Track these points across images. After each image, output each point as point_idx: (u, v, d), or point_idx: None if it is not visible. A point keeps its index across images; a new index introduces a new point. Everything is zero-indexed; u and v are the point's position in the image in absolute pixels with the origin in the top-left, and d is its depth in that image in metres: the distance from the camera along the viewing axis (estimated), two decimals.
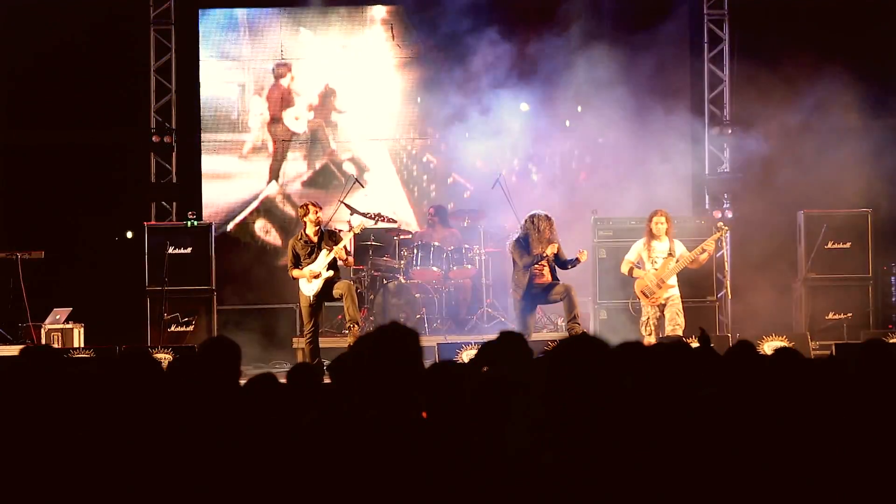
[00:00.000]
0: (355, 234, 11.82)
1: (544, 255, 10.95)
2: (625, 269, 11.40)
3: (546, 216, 11.11)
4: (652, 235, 11.26)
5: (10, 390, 4.32)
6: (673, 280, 11.27)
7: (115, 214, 14.06)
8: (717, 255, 12.32)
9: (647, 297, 11.24)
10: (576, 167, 14.67)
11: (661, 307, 11.23)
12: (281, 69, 14.60)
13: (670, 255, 11.23)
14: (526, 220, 11.16)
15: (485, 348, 4.58)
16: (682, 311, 11.20)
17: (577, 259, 11.13)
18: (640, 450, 3.25)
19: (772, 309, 12.89)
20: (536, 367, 4.18)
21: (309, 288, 11.40)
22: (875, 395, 4.33)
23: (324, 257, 11.39)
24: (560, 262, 11.16)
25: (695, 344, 5.21)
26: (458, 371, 3.76)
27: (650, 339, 11.15)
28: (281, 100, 14.61)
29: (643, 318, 11.33)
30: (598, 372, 3.21)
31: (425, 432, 3.45)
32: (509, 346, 4.49)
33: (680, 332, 11.05)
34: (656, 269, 11.20)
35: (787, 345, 10.93)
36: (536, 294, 11.12)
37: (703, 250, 11.19)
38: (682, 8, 14.52)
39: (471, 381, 3.64)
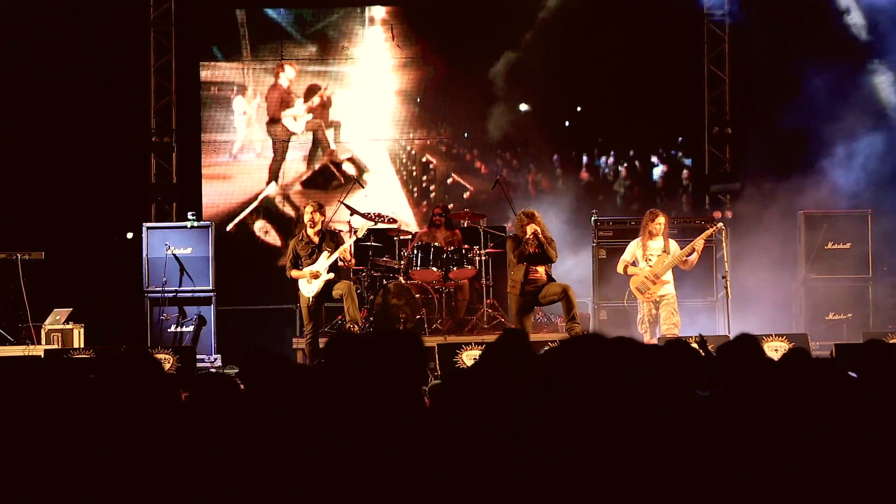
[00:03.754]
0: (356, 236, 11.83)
1: (526, 237, 11.01)
2: (620, 268, 11.53)
3: (526, 213, 11.20)
4: (650, 235, 11.34)
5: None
6: (668, 276, 11.34)
7: (115, 214, 14.06)
8: (718, 256, 12.33)
9: (641, 293, 11.34)
10: (575, 167, 14.67)
11: (657, 305, 11.30)
12: (280, 69, 14.60)
13: (665, 252, 11.32)
14: (516, 219, 11.35)
15: (488, 349, 4.59)
16: (677, 310, 11.27)
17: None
18: (640, 450, 3.25)
19: (772, 309, 12.90)
20: (538, 365, 4.18)
21: (308, 289, 11.40)
22: (875, 395, 4.33)
23: (325, 259, 11.40)
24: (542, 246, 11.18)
25: (696, 344, 5.21)
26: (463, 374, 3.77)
27: (647, 338, 11.21)
28: (280, 100, 14.61)
29: (639, 317, 11.41)
30: (603, 371, 3.20)
31: (426, 434, 3.45)
32: (511, 344, 4.49)
33: (677, 332, 11.10)
34: (651, 267, 11.29)
35: (787, 345, 10.95)
36: (532, 292, 11.16)
37: (693, 249, 11.26)
38: (682, 8, 14.54)
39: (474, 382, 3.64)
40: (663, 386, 3.69)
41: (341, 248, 11.35)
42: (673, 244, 11.44)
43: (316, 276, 11.34)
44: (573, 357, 3.20)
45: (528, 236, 11.03)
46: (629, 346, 3.52)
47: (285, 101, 14.63)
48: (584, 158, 14.68)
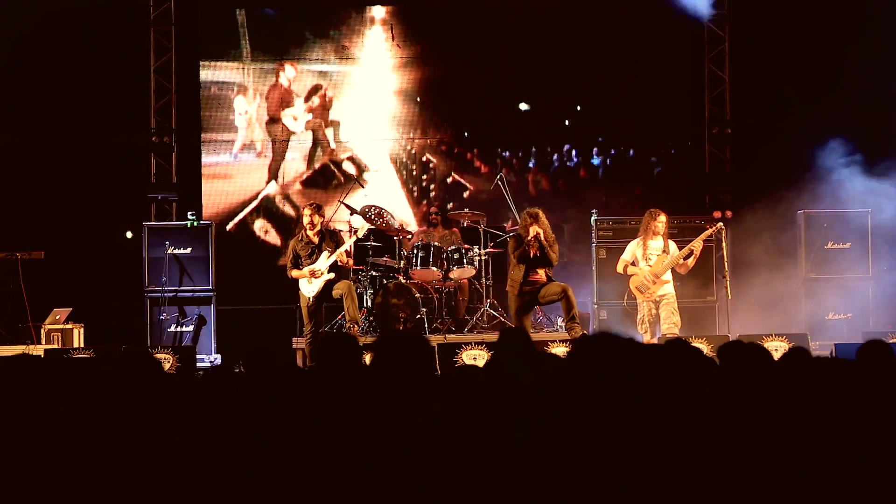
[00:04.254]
0: (356, 236, 11.84)
1: (528, 239, 10.99)
2: (620, 268, 11.54)
3: (530, 213, 11.17)
4: (651, 234, 11.34)
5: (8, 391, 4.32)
6: (667, 276, 11.35)
7: (115, 214, 14.05)
8: (717, 255, 12.33)
9: (641, 292, 11.34)
10: (575, 166, 14.67)
11: (657, 304, 11.30)
12: (281, 69, 14.59)
13: (664, 252, 11.33)
14: (520, 218, 11.33)
15: (494, 349, 4.60)
16: (677, 309, 11.28)
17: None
18: (651, 449, 3.25)
19: (772, 309, 12.90)
20: (543, 364, 4.18)
21: (309, 289, 11.41)
22: (875, 395, 4.32)
23: (324, 259, 11.40)
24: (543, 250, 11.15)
25: (697, 343, 5.21)
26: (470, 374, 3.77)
27: (647, 338, 11.21)
28: (280, 100, 14.60)
29: (639, 317, 11.40)
30: (625, 371, 3.19)
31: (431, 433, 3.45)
32: (511, 343, 4.50)
33: (677, 331, 11.11)
34: (651, 266, 11.30)
35: (787, 345, 10.95)
36: (531, 292, 11.17)
37: (691, 251, 11.26)
38: (682, 8, 14.54)
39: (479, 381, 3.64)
40: (669, 386, 3.69)
41: (339, 252, 11.35)
42: (672, 245, 11.45)
43: (316, 274, 11.34)
44: (590, 357, 3.19)
45: (529, 238, 11.02)
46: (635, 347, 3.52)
47: (285, 101, 14.63)
48: (584, 158, 14.68)
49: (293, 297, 12.27)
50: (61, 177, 13.95)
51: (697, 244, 11.34)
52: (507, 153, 14.66)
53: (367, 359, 6.22)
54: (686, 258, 11.32)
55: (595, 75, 14.38)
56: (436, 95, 14.59)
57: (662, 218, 11.39)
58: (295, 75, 14.61)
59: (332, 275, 11.39)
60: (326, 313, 11.75)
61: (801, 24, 13.72)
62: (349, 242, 11.63)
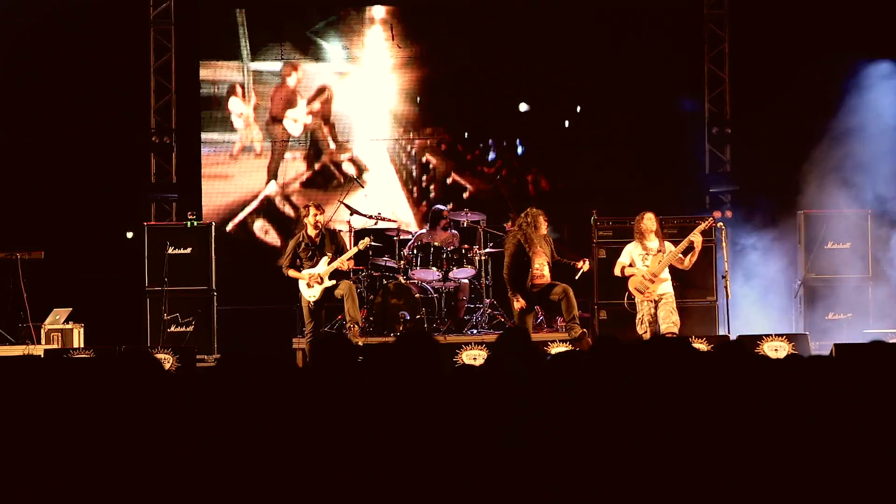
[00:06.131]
0: (354, 236, 11.85)
1: (515, 298, 11.07)
2: (617, 270, 11.55)
3: (525, 214, 11.21)
4: (643, 234, 11.36)
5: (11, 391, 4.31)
6: (665, 275, 11.35)
7: (115, 214, 14.05)
8: (718, 255, 12.33)
9: (640, 292, 11.35)
10: (575, 167, 14.67)
11: (656, 304, 11.31)
12: (285, 69, 14.58)
13: (660, 252, 11.33)
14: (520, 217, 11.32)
15: (493, 348, 4.60)
16: (675, 309, 11.28)
17: (573, 265, 11.25)
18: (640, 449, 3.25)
19: (772, 309, 12.89)
20: (543, 362, 4.19)
21: (309, 292, 11.43)
22: (877, 395, 4.32)
23: (324, 264, 11.40)
24: (553, 261, 11.28)
25: (696, 343, 5.22)
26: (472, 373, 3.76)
27: (647, 337, 11.21)
28: (281, 100, 14.60)
29: (639, 317, 11.41)
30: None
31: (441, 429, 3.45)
32: (512, 342, 4.50)
33: (676, 331, 11.12)
34: (647, 266, 11.31)
35: (787, 345, 10.96)
36: (533, 293, 11.20)
37: (689, 246, 11.26)
38: (682, 8, 14.55)
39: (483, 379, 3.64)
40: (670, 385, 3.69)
41: (340, 260, 11.36)
42: (668, 245, 11.44)
43: (318, 280, 11.34)
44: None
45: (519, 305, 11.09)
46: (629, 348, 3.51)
47: (286, 102, 14.63)
48: (583, 158, 14.67)
49: (293, 297, 12.27)
50: (61, 177, 13.94)
51: (696, 238, 11.31)
52: (507, 153, 14.66)
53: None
54: (685, 253, 11.31)
55: (595, 75, 14.38)
56: (436, 95, 14.59)
57: (649, 215, 11.41)
58: (296, 75, 14.61)
59: (332, 282, 11.38)
60: (326, 313, 11.75)
61: (801, 24, 13.71)
62: (351, 252, 11.61)
